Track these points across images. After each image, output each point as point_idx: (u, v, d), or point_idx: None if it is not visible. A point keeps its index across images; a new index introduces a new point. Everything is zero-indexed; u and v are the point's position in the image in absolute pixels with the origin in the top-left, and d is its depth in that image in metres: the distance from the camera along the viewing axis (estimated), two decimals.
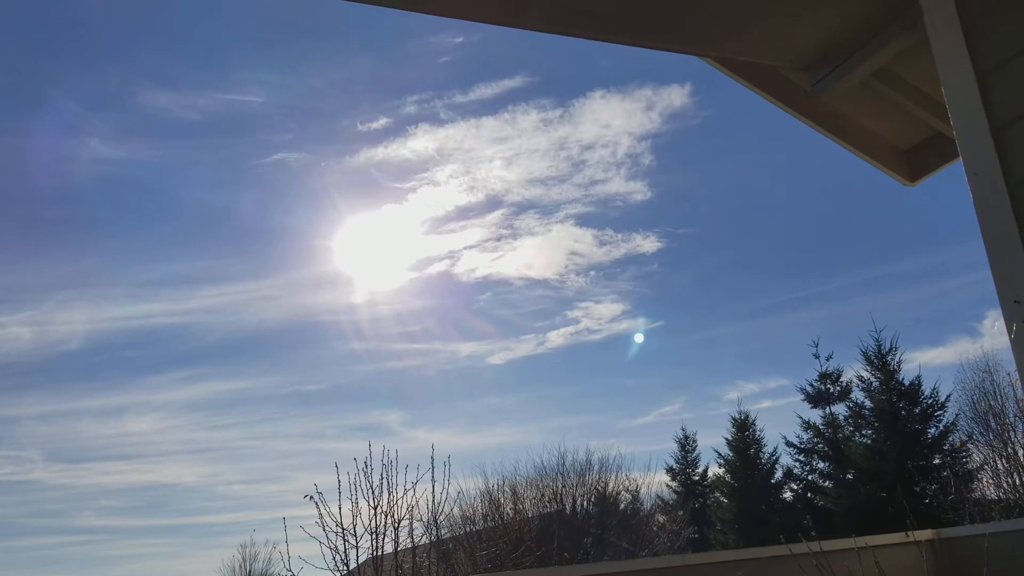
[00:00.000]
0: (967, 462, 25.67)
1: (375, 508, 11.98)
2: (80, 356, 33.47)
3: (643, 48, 3.64)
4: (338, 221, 26.88)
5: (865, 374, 27.99)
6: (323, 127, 28.28)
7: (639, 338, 32.96)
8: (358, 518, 11.83)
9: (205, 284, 31.23)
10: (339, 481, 11.62)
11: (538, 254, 32.41)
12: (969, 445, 25.85)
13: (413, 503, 12.23)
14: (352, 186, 27.82)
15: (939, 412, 26.68)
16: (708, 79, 31.77)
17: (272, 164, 27.91)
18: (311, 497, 11.52)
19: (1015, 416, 24.94)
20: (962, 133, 2.87)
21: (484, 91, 28.07)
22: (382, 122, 27.35)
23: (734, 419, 32.45)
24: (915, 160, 4.44)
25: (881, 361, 27.63)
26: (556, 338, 34.45)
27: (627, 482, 28.01)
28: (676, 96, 29.34)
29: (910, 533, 5.03)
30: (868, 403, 27.82)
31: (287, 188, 28.27)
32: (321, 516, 11.55)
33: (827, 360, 29.40)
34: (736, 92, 4.03)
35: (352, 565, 11.93)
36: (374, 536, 12.00)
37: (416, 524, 12.65)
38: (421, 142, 27.74)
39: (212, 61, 24.93)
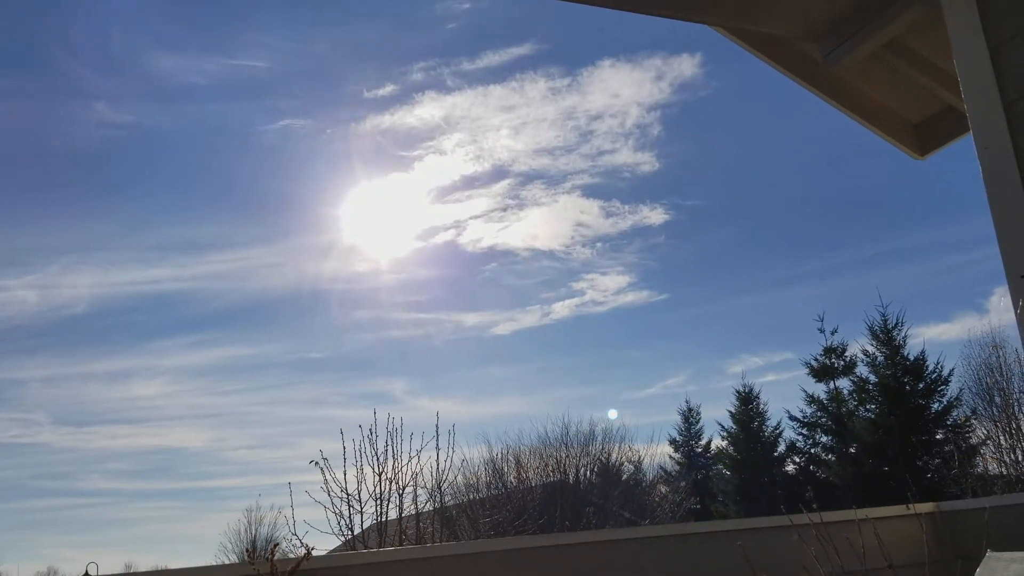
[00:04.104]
0: (970, 437, 25.76)
1: (380, 475, 12.09)
2: (86, 320, 33.56)
3: (654, 16, 3.61)
4: (344, 189, 26.72)
5: (870, 348, 28.03)
6: (329, 93, 28.03)
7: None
8: (363, 484, 11.96)
9: (211, 250, 31.19)
10: (344, 448, 11.73)
11: (544, 225, 32.30)
12: (972, 420, 25.92)
13: (417, 470, 12.35)
14: (358, 154, 27.62)
15: (943, 387, 26.74)
16: (719, 49, 31.55)
17: (278, 130, 27.76)
18: (316, 463, 11.63)
19: (1020, 391, 24.99)
20: (973, 106, 2.85)
21: (492, 59, 27.77)
22: (388, 89, 27.14)
23: (738, 392, 32.62)
24: (925, 133, 4.42)
25: (887, 336, 27.63)
26: (561, 309, 34.45)
27: (630, 453, 28.14)
28: (686, 66, 29.05)
29: (911, 506, 5.06)
30: (872, 377, 27.86)
31: (293, 154, 28.09)
32: (326, 482, 11.67)
33: (832, 334, 29.47)
34: (747, 63, 4.01)
35: (357, 530, 12.07)
36: (378, 502, 12.12)
37: (420, 491, 12.78)
38: (428, 110, 27.55)
39: (218, 25, 24.71)
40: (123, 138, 27.35)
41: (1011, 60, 2.71)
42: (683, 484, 31.65)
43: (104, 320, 34.10)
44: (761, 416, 32.10)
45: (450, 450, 12.62)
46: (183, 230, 30.02)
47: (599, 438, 26.14)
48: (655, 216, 32.49)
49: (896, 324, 27.63)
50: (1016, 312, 2.62)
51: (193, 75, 25.41)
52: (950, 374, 26.73)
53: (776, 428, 31.57)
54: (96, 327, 34.31)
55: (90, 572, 3.71)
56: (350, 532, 11.95)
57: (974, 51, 2.82)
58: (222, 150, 29.30)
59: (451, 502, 18.32)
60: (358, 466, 11.92)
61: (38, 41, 23.10)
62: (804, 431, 30.03)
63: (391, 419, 12.30)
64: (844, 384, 29.01)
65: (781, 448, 31.34)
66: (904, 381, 26.97)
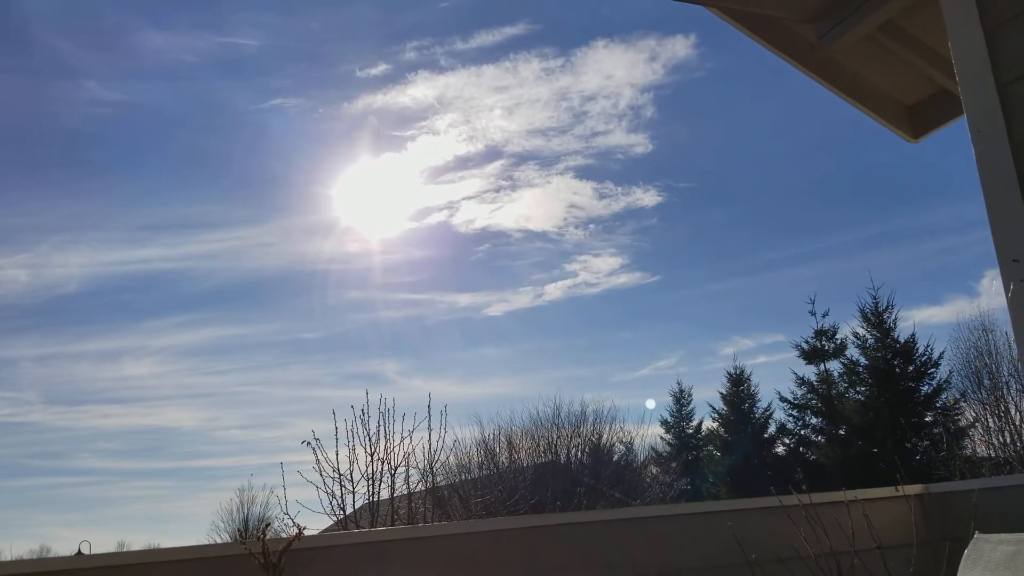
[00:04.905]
0: (959, 419, 25.94)
1: (372, 455, 12.10)
2: (77, 299, 33.49)
3: None
4: (336, 168, 26.61)
5: (861, 331, 28.18)
6: (321, 72, 27.85)
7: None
8: (355, 464, 11.96)
9: (202, 229, 31.09)
10: (336, 428, 11.70)
11: (537, 206, 32.26)
12: (962, 403, 26.10)
13: (409, 451, 12.36)
14: (350, 133, 27.48)
15: (932, 370, 26.91)
16: (713, 30, 31.29)
17: (269, 109, 27.62)
18: (308, 443, 11.62)
19: (1009, 374, 25.14)
20: (967, 89, 2.84)
21: (485, 38, 27.61)
22: (381, 68, 26.97)
23: (729, 374, 32.79)
24: (919, 116, 4.41)
25: (878, 318, 27.76)
26: (554, 291, 34.46)
27: (621, 434, 28.25)
28: (680, 47, 28.96)
29: (900, 487, 5.09)
30: (863, 360, 28.01)
31: (285, 134, 27.94)
32: (318, 462, 11.66)
33: (823, 317, 29.59)
34: (741, 44, 4.00)
35: (349, 510, 12.10)
36: (370, 482, 12.14)
37: (412, 471, 12.81)
38: (421, 90, 27.39)
39: (210, 2, 24.48)
40: (114, 116, 27.22)
41: (1007, 43, 2.70)
42: (674, 465, 31.88)
43: (95, 299, 34.04)
44: (752, 398, 32.30)
45: (442, 431, 12.62)
46: (174, 209, 29.90)
47: (590, 419, 26.23)
48: (648, 198, 32.49)
49: (887, 307, 27.78)
50: (1007, 295, 2.62)
51: (184, 53, 25.17)
52: (940, 357, 26.94)
53: (767, 410, 31.80)
54: (87, 306, 34.27)
55: (83, 550, 3.71)
56: (342, 512, 11.98)
57: (969, 33, 2.81)
58: (214, 129, 29.15)
59: (443, 482, 18.38)
60: (350, 446, 11.92)
61: (25, 18, 22.84)
62: (794, 413, 30.23)
63: (383, 399, 12.29)
64: (834, 366, 29.22)
65: (771, 429, 31.55)
66: (894, 364, 27.11)
